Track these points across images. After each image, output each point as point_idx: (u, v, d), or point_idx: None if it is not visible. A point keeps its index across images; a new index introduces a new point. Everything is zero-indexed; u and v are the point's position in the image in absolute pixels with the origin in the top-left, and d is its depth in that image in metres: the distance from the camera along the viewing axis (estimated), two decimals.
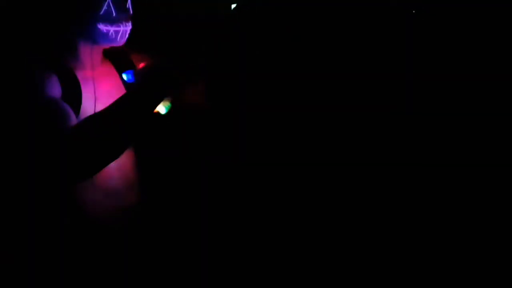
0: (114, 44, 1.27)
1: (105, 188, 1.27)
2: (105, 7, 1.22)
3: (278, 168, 1.82)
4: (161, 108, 1.26)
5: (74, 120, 1.16)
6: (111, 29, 1.23)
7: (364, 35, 2.24)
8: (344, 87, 2.13)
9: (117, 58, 1.39)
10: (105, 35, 1.24)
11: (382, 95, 2.01)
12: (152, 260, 1.39)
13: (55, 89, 1.18)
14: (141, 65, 1.22)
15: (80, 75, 1.27)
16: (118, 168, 1.29)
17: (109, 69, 1.38)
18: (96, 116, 1.12)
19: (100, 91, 1.31)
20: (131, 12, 1.28)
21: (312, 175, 1.81)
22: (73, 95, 1.23)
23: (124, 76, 1.24)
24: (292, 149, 1.93)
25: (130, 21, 1.28)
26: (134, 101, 1.14)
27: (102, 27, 1.23)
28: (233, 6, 3.29)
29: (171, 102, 1.27)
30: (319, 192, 1.77)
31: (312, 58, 2.47)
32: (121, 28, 1.24)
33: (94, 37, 1.25)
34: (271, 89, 2.53)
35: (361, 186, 1.77)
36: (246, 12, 2.96)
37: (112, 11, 1.23)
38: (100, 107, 1.23)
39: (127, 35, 1.28)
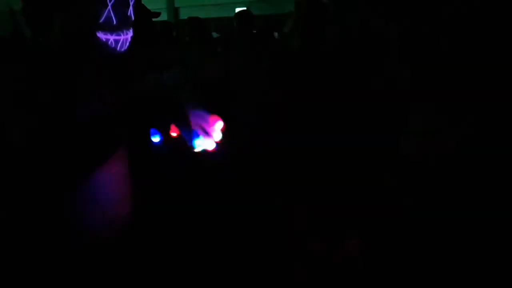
0: (113, 53, 1.20)
1: (95, 199, 1.21)
2: (105, 15, 1.15)
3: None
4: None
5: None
6: (111, 38, 1.16)
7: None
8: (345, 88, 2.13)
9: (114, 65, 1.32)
10: (104, 44, 1.17)
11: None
12: (144, 270, 1.36)
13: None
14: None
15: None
16: (109, 179, 1.24)
17: (102, 77, 1.31)
18: None
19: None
20: (133, 19, 1.20)
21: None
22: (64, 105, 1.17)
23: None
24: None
25: (131, 29, 1.20)
26: None
27: (101, 35, 1.16)
28: (237, 10, 3.28)
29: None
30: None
31: (313, 61, 2.47)
32: (122, 37, 1.17)
33: (92, 46, 1.18)
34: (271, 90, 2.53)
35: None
36: (249, 16, 2.97)
37: (112, 19, 1.16)
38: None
39: (127, 44, 1.20)
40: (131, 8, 1.21)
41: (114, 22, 1.17)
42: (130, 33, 1.21)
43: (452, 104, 1.79)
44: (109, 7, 1.15)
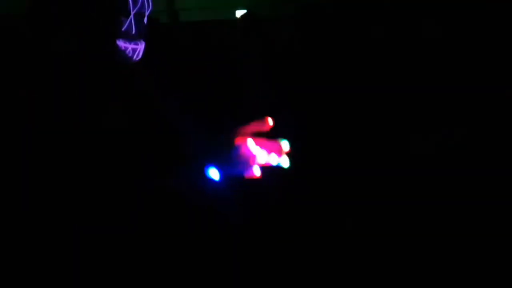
0: (128, 62, 1.24)
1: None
2: (127, 23, 1.20)
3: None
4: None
5: None
6: (130, 46, 1.21)
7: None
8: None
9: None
10: (122, 53, 1.21)
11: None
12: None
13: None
14: None
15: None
16: None
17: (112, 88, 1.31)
18: None
19: None
20: (147, 29, 1.25)
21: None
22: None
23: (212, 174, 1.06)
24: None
25: (143, 39, 1.25)
26: None
27: (121, 43, 1.20)
28: (238, 12, 3.29)
29: None
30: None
31: (316, 63, 2.49)
32: (139, 46, 1.22)
33: (110, 53, 1.22)
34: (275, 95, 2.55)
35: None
36: (252, 19, 2.98)
37: (132, 28, 1.20)
38: None
39: (141, 54, 1.25)
40: (145, 18, 1.25)
41: (133, 31, 1.21)
42: (144, 43, 1.26)
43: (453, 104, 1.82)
44: (131, 16, 1.20)
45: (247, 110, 2.67)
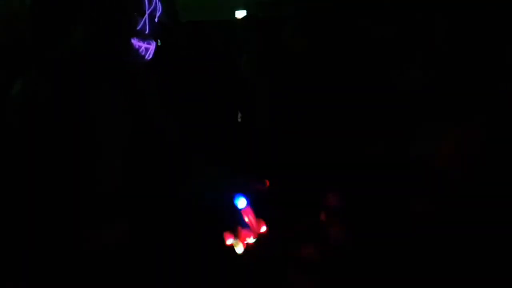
0: (141, 61, 1.28)
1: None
2: (142, 23, 1.23)
3: None
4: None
5: None
6: (143, 45, 1.24)
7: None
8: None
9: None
10: (136, 51, 1.24)
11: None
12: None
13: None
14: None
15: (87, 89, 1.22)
16: None
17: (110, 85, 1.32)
18: None
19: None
20: (159, 29, 1.29)
21: None
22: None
23: (240, 203, 1.17)
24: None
25: (155, 39, 1.29)
26: None
27: (135, 42, 1.23)
28: (238, 13, 3.30)
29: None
30: None
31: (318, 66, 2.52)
32: (151, 46, 1.26)
33: (124, 51, 1.25)
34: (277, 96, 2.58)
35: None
36: (253, 20, 3.00)
37: (146, 27, 1.24)
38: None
39: (152, 53, 1.29)
40: (157, 18, 1.29)
41: (147, 31, 1.25)
42: (155, 43, 1.30)
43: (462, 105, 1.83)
44: (146, 15, 1.24)
45: (247, 111, 2.70)
